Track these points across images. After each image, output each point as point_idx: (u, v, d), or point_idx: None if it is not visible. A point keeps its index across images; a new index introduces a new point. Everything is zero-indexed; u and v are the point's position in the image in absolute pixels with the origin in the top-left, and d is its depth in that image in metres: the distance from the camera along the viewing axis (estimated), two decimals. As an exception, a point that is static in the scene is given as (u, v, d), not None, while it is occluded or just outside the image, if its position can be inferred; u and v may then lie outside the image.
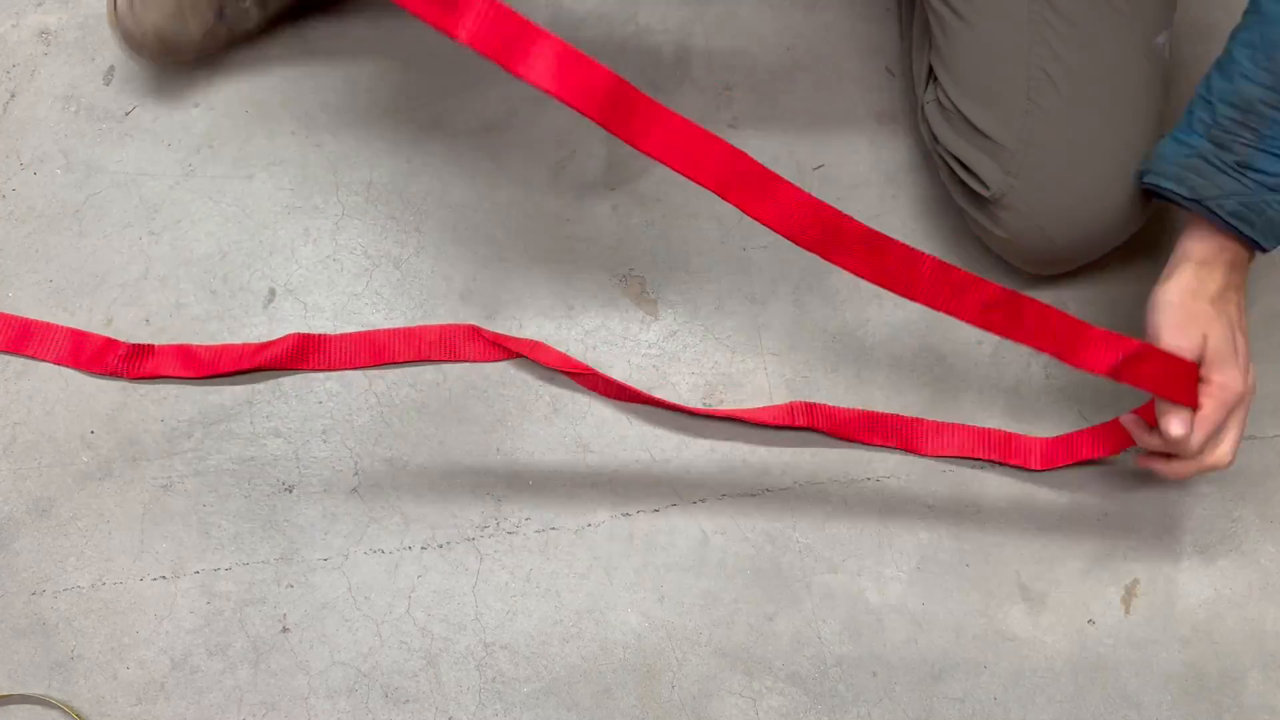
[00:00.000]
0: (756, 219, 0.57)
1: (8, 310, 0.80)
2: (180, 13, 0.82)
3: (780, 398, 0.78)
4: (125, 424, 0.77)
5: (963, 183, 0.77)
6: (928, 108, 0.80)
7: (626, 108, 0.59)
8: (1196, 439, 0.64)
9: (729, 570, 0.73)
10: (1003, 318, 0.61)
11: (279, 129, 0.87)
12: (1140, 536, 0.75)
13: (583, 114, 0.55)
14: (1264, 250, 0.66)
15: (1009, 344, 0.80)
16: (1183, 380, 0.65)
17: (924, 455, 0.77)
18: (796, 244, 0.57)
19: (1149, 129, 0.73)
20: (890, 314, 0.82)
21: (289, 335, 0.78)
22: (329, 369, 0.79)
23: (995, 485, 0.76)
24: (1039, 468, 0.76)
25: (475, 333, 0.79)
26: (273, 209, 0.84)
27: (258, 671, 0.70)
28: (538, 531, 0.74)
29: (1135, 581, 0.74)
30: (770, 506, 0.75)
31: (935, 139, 0.78)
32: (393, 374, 0.79)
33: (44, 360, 0.79)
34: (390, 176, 0.85)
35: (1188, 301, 0.66)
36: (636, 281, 0.82)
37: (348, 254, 0.83)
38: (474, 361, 0.79)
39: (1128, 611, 0.73)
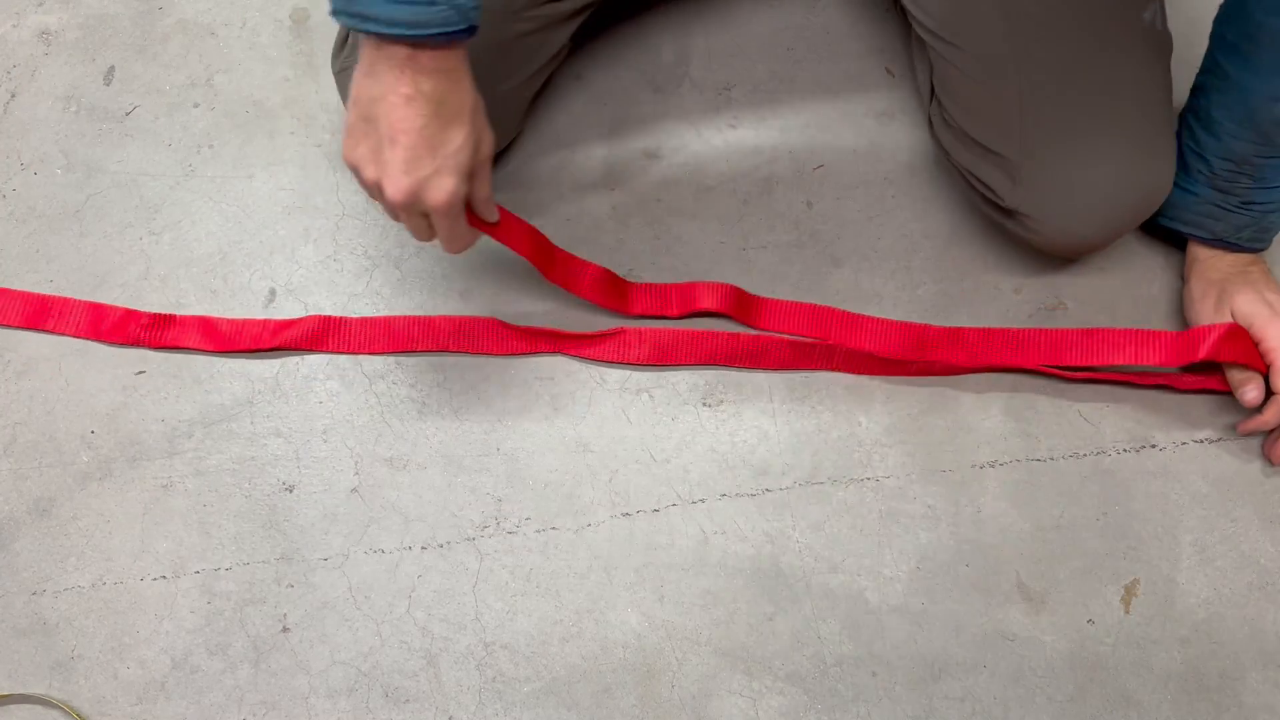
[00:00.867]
0: (856, 349, 0.78)
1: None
2: None
3: (780, 398, 0.78)
4: (126, 424, 0.77)
5: (981, 194, 0.79)
6: (935, 123, 0.81)
7: (748, 305, 0.81)
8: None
9: (729, 570, 0.73)
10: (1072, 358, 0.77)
11: (279, 129, 0.87)
12: (1140, 536, 0.75)
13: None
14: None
15: (1009, 344, 0.80)
16: (1244, 344, 0.74)
17: (961, 366, 0.78)
18: (897, 359, 0.78)
19: (1156, 106, 0.74)
20: (889, 314, 0.82)
21: (310, 316, 0.79)
22: (346, 352, 0.79)
23: (995, 485, 0.76)
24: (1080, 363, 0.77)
25: (494, 325, 0.79)
26: (273, 209, 0.84)
27: (258, 671, 0.70)
28: (538, 531, 0.74)
29: (1135, 581, 0.74)
30: (770, 506, 0.75)
31: (948, 154, 0.80)
32: (393, 374, 0.79)
33: (65, 334, 0.79)
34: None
35: (1207, 288, 0.76)
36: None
37: (348, 254, 0.83)
38: (492, 354, 0.79)
39: (1127, 611, 0.73)
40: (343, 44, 0.79)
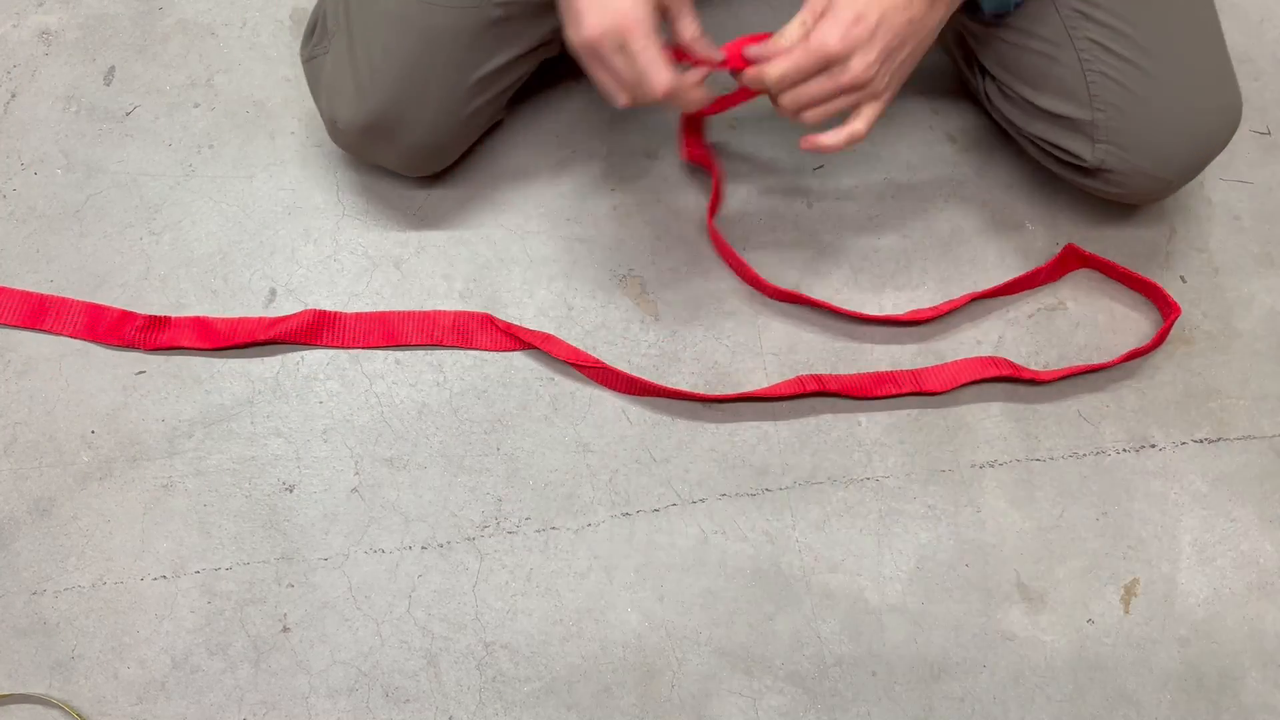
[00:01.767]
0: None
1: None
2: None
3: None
4: (126, 424, 0.77)
5: (1057, 158, 0.78)
6: (991, 96, 0.80)
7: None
8: (773, 72, 0.67)
9: (729, 570, 0.73)
10: None
11: (279, 129, 0.87)
12: (1140, 536, 0.75)
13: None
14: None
15: (1008, 344, 0.81)
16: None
17: (937, 393, 0.78)
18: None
19: (1208, 31, 0.74)
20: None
21: (305, 310, 0.79)
22: (342, 346, 0.79)
23: (995, 485, 0.76)
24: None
25: (489, 321, 0.79)
26: (273, 209, 0.84)
27: (258, 671, 0.70)
28: (538, 531, 0.74)
29: (1135, 581, 0.74)
30: (770, 506, 0.75)
31: (1012, 124, 0.80)
32: (393, 374, 0.79)
33: (61, 334, 0.79)
34: (391, 177, 0.85)
35: None
36: (636, 281, 0.82)
37: (348, 254, 0.83)
38: (486, 350, 0.79)
39: (1127, 611, 0.73)
40: (312, 32, 0.79)
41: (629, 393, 0.78)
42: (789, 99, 0.68)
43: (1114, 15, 0.73)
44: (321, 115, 0.79)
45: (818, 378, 0.77)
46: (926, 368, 0.79)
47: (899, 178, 0.87)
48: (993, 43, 0.77)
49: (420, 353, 0.80)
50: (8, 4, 0.93)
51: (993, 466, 0.77)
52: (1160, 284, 0.81)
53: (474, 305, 0.81)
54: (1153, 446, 0.78)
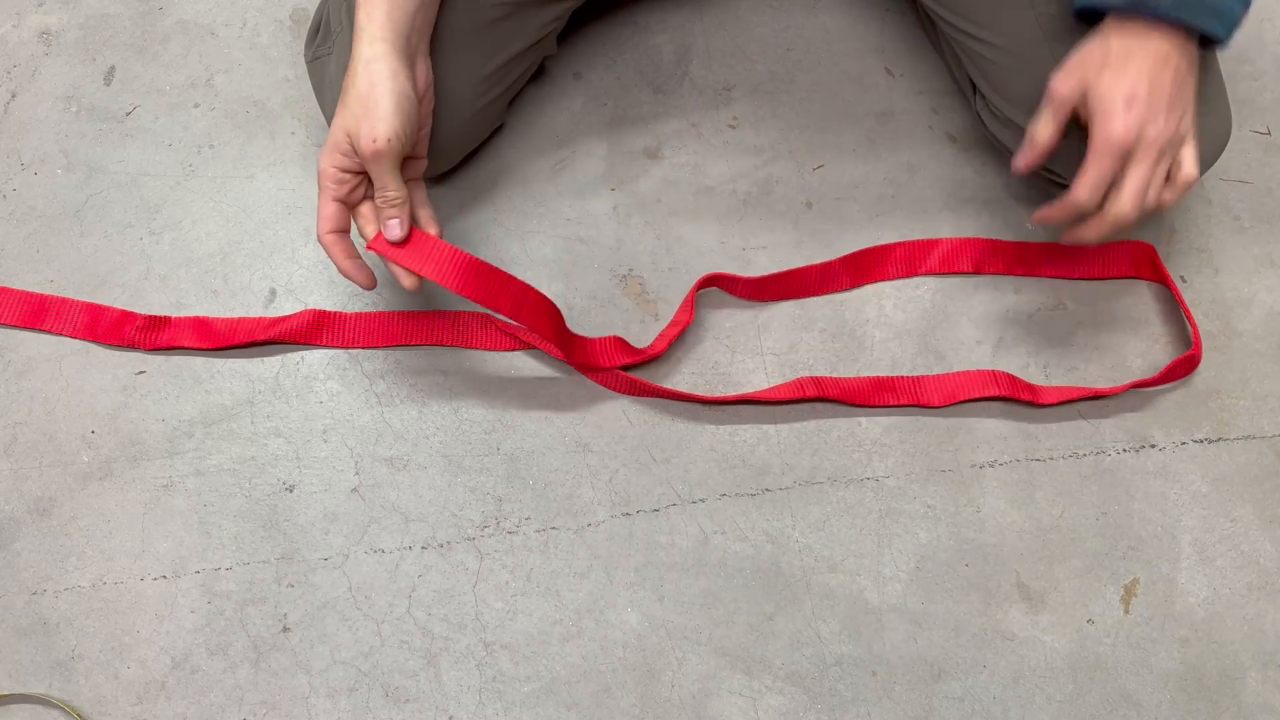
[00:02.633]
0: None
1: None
2: None
3: (780, 398, 0.78)
4: (126, 424, 0.77)
5: (1048, 179, 0.79)
6: (983, 116, 0.81)
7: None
8: (1083, 191, 0.68)
9: (729, 570, 0.73)
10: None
11: (279, 129, 0.87)
12: (1140, 536, 0.75)
13: None
14: (1209, 36, 0.67)
15: (1009, 344, 0.81)
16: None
17: (935, 406, 0.78)
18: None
19: (1203, 65, 0.74)
20: (890, 314, 0.82)
21: (305, 310, 0.79)
22: (342, 346, 0.79)
23: (995, 485, 0.76)
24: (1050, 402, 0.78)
25: (489, 321, 0.79)
26: (273, 209, 0.84)
27: (258, 671, 0.70)
28: (538, 531, 0.74)
29: (1134, 581, 0.74)
30: (770, 506, 0.75)
31: (1003, 144, 0.81)
32: (393, 374, 0.79)
33: (61, 334, 0.79)
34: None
35: (1083, 55, 0.69)
36: (636, 281, 0.82)
37: (348, 254, 0.83)
38: (486, 350, 0.79)
39: (1127, 611, 0.73)
40: (315, 32, 0.79)
41: (629, 393, 0.78)
42: (1117, 206, 0.68)
43: None
44: (325, 116, 0.79)
45: (817, 382, 0.77)
46: (926, 377, 0.78)
47: (899, 178, 0.87)
48: (983, 63, 0.78)
49: (420, 353, 0.80)
50: (8, 4, 0.93)
51: (993, 466, 0.77)
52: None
53: (474, 305, 0.81)
54: (1153, 446, 0.78)
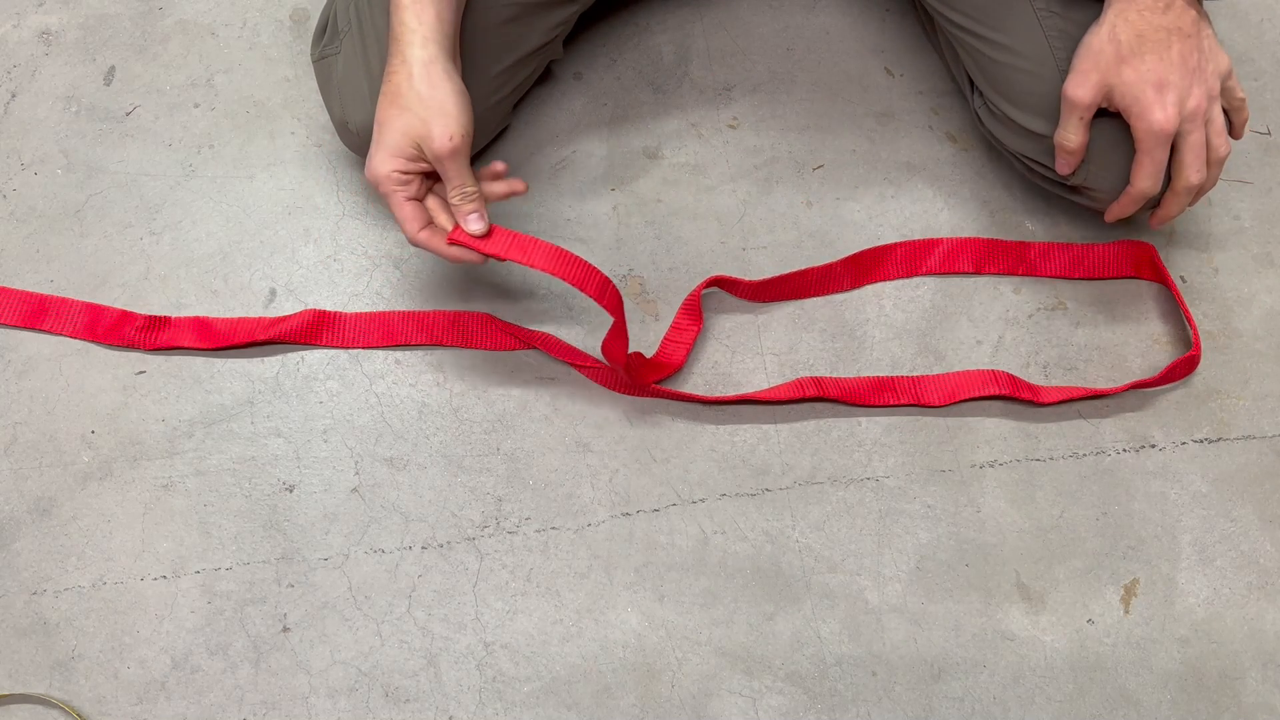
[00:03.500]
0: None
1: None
2: None
3: (780, 398, 0.78)
4: (126, 424, 0.77)
5: (1044, 175, 0.79)
6: (981, 114, 0.81)
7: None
8: (1144, 182, 0.71)
9: (729, 570, 0.73)
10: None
11: (279, 129, 0.87)
12: (1140, 536, 0.75)
13: None
14: None
15: (1009, 344, 0.81)
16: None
17: (935, 406, 0.78)
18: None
19: None
20: (890, 314, 0.82)
21: (304, 310, 0.79)
22: (342, 346, 0.79)
23: (995, 485, 0.76)
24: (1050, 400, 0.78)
25: (489, 321, 0.79)
26: (273, 209, 0.84)
27: (258, 671, 0.70)
28: (538, 531, 0.74)
29: (1134, 581, 0.74)
30: (770, 506, 0.75)
31: (1000, 142, 0.80)
32: (393, 374, 0.79)
33: (61, 334, 0.79)
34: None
35: (1094, 54, 0.69)
36: (636, 281, 0.82)
37: (348, 254, 0.83)
38: (486, 350, 0.79)
39: (1127, 611, 0.73)
40: (322, 32, 0.79)
41: (629, 393, 0.78)
42: (1183, 179, 0.71)
43: None
44: (331, 116, 0.79)
45: (817, 382, 0.77)
46: (926, 377, 0.78)
47: (899, 178, 0.87)
48: (981, 60, 0.78)
49: (420, 353, 0.80)
50: (8, 4, 0.93)
51: (993, 466, 0.77)
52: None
53: (474, 305, 0.81)
54: (1153, 446, 0.78)
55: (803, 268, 0.82)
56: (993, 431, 0.78)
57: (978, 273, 0.83)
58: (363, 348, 0.79)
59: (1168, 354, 0.81)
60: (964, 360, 0.80)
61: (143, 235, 0.83)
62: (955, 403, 0.78)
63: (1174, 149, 0.70)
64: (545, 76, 0.89)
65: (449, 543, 0.74)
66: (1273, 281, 0.84)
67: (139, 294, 0.81)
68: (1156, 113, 0.68)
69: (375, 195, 0.84)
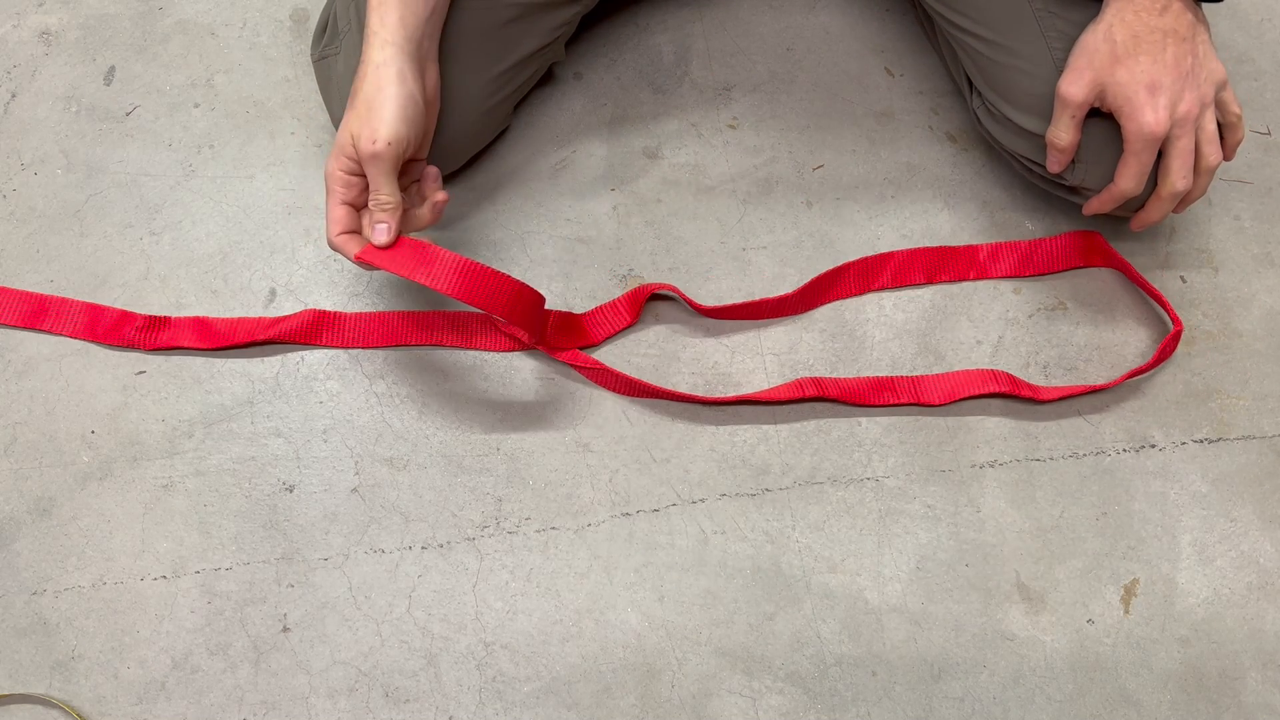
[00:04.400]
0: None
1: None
2: None
3: (780, 398, 0.78)
4: (126, 424, 0.77)
5: (1041, 175, 0.79)
6: (979, 114, 0.82)
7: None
8: (1128, 182, 0.71)
9: (729, 570, 0.73)
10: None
11: (279, 129, 0.87)
12: (1139, 536, 0.75)
13: None
14: None
15: (1009, 344, 0.81)
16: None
17: (935, 404, 0.78)
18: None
19: None
20: (890, 314, 0.82)
21: (304, 310, 0.79)
22: (342, 346, 0.79)
23: (995, 485, 0.76)
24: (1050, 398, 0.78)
25: (489, 321, 0.79)
26: (273, 209, 0.84)
27: (258, 671, 0.70)
28: (538, 531, 0.74)
29: (1134, 581, 0.74)
30: (770, 506, 0.75)
31: (998, 142, 0.80)
32: (393, 374, 0.79)
33: (61, 334, 0.79)
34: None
35: (1089, 54, 0.69)
36: (636, 281, 0.82)
37: (348, 254, 0.83)
38: (485, 350, 0.79)
39: (1127, 611, 0.73)
40: (323, 32, 0.79)
41: (629, 393, 0.78)
42: (1169, 185, 0.71)
43: None
44: (331, 117, 0.79)
45: (817, 382, 0.77)
46: (926, 376, 0.79)
47: (899, 178, 0.87)
48: (980, 61, 0.78)
49: (420, 353, 0.80)
50: (8, 4, 0.93)
51: (993, 466, 0.77)
52: (1162, 290, 0.81)
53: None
54: (1153, 446, 0.78)
55: (804, 270, 0.82)
56: (993, 431, 0.78)
57: (930, 282, 0.83)
58: (363, 348, 0.79)
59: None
60: (964, 360, 0.80)
61: (143, 235, 0.83)
62: (955, 401, 0.78)
63: (1163, 153, 0.71)
64: (545, 77, 0.89)
65: (449, 543, 0.74)
66: (1273, 281, 0.84)
67: (139, 294, 0.81)
68: (1147, 114, 0.68)
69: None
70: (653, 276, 0.82)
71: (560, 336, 0.78)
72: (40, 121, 0.88)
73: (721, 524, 0.75)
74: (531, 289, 0.71)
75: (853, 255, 0.83)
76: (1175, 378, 0.80)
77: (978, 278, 0.83)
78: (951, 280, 0.83)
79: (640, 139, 0.88)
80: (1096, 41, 0.69)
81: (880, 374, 0.79)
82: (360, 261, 0.68)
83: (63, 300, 0.80)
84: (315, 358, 0.79)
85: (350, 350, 0.80)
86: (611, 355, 0.80)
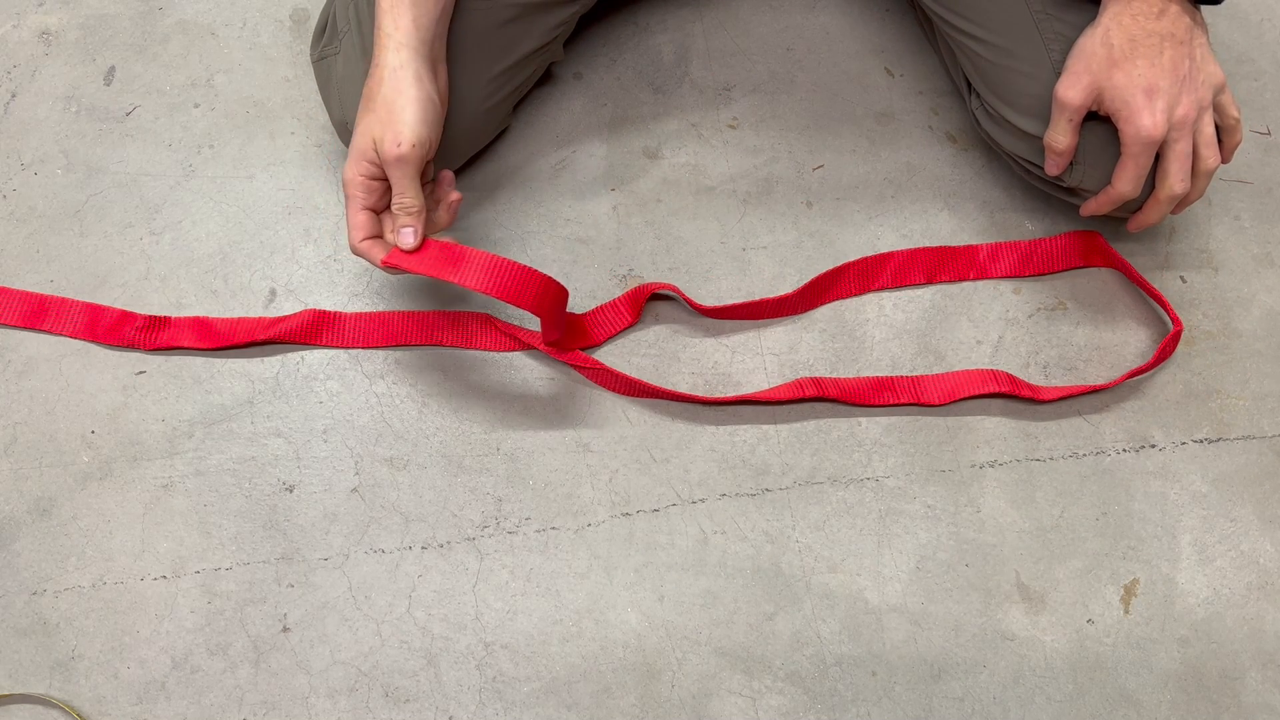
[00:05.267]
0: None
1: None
2: None
3: (780, 398, 0.78)
4: (126, 424, 0.77)
5: (1040, 177, 0.80)
6: (978, 116, 0.82)
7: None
8: (1125, 185, 0.71)
9: (729, 570, 0.73)
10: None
11: (279, 129, 0.87)
12: (1139, 536, 0.75)
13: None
14: None
15: (1008, 344, 0.81)
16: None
17: (935, 404, 0.78)
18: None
19: None
20: (890, 314, 0.82)
21: (305, 310, 0.79)
22: (341, 346, 0.79)
23: (995, 485, 0.76)
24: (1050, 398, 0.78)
25: (489, 321, 0.79)
26: (273, 209, 0.84)
27: (258, 671, 0.70)
28: (538, 531, 0.74)
29: (1134, 581, 0.74)
30: (770, 506, 0.75)
31: (997, 143, 0.80)
32: (393, 374, 0.79)
33: (61, 334, 0.79)
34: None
35: (1086, 57, 0.69)
36: (636, 281, 0.82)
37: (348, 254, 0.83)
38: (485, 350, 0.79)
39: (1127, 611, 0.73)
40: (322, 32, 0.79)
41: (629, 393, 0.78)
42: (1166, 189, 0.71)
43: None
44: (331, 117, 0.79)
45: (817, 382, 0.77)
46: (926, 376, 0.79)
47: (899, 178, 0.87)
48: (979, 63, 0.78)
49: (420, 353, 0.80)
50: (8, 4, 0.93)
51: (993, 466, 0.77)
52: (1162, 290, 0.81)
53: (474, 305, 0.81)
54: (1153, 446, 0.78)
55: (804, 270, 0.82)
56: (993, 431, 0.78)
57: (930, 282, 0.83)
58: (363, 348, 0.79)
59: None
60: (964, 360, 0.80)
61: (143, 235, 0.83)
62: (955, 401, 0.78)
63: (1160, 156, 0.70)
64: (545, 77, 0.89)
65: (449, 543, 0.74)
66: (1273, 281, 0.84)
67: (139, 294, 0.81)
68: (1144, 118, 0.68)
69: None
70: (653, 276, 0.82)
71: (563, 337, 0.78)
72: (40, 121, 0.87)
73: (721, 524, 0.75)
74: (557, 283, 0.70)
75: (853, 255, 0.83)
76: (1175, 378, 0.80)
77: (978, 278, 0.83)
78: (951, 280, 0.83)
79: (640, 139, 0.88)
80: (1094, 45, 0.69)
81: (880, 374, 0.79)
82: (387, 267, 0.68)
83: (63, 300, 0.80)
84: (315, 358, 0.79)
85: (350, 350, 0.80)
86: (611, 355, 0.80)
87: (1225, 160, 0.73)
